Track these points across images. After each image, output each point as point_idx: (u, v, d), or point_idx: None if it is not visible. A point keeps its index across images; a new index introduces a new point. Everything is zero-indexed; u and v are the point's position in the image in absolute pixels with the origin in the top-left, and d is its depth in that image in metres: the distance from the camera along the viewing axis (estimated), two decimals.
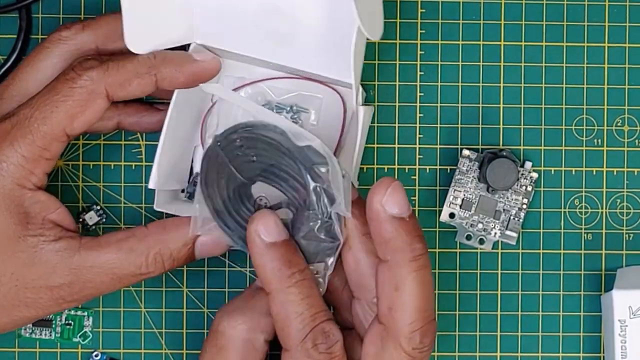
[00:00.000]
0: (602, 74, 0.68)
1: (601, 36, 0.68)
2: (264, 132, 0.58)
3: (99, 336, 0.68)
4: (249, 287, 0.61)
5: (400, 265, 0.56)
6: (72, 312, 0.67)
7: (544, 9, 0.68)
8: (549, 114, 0.68)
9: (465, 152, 0.67)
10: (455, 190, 0.67)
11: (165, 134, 0.62)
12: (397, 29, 0.68)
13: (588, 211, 0.68)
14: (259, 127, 0.58)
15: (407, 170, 0.68)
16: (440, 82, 0.68)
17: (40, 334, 0.67)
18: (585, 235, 0.68)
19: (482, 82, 0.68)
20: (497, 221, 0.67)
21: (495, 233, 0.67)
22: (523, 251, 0.68)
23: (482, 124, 0.68)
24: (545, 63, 0.68)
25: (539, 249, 0.67)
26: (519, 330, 0.68)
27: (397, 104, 0.68)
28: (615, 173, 0.68)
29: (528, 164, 0.67)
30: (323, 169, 0.57)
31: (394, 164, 0.68)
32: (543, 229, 0.68)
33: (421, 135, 0.68)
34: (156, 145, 0.62)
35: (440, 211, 0.67)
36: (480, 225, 0.67)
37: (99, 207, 0.68)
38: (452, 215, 0.67)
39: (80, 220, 0.68)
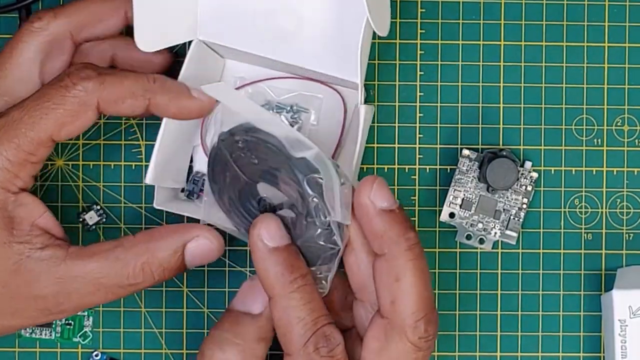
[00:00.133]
0: (602, 74, 0.68)
1: (601, 36, 0.68)
2: (263, 138, 0.58)
3: (99, 336, 0.68)
4: (229, 311, 0.60)
5: (397, 257, 0.56)
6: None
7: (544, 9, 0.68)
8: (549, 113, 0.68)
9: (465, 152, 0.67)
10: (455, 190, 0.67)
11: (164, 130, 0.62)
12: (397, 29, 0.68)
13: (588, 211, 0.68)
14: (258, 132, 0.58)
15: (407, 170, 0.68)
16: (440, 82, 0.68)
17: (41, 334, 0.67)
18: (585, 235, 0.68)
19: (482, 82, 0.68)
20: (497, 221, 0.67)
21: (495, 233, 0.67)
22: (523, 251, 0.68)
23: (482, 124, 0.68)
24: (545, 63, 0.68)
25: (539, 249, 0.68)
26: (519, 330, 0.68)
27: (397, 104, 0.68)
28: (615, 173, 0.68)
29: (528, 164, 0.67)
30: (320, 179, 0.57)
31: (394, 164, 0.68)
32: (543, 228, 0.68)
33: (421, 135, 0.68)
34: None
35: (440, 211, 0.67)
36: (480, 225, 0.67)
37: (99, 207, 0.68)
38: (452, 215, 0.67)
39: (81, 220, 0.68)
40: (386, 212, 0.57)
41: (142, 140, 0.68)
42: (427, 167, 0.68)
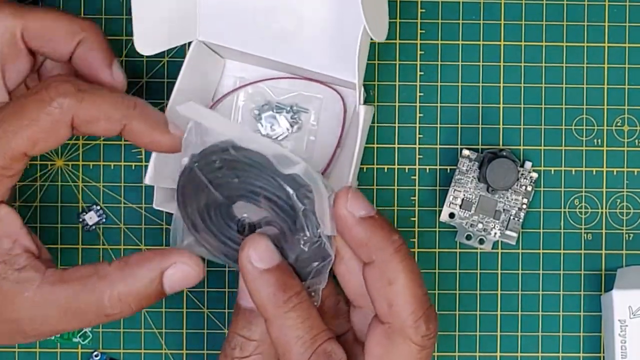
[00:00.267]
0: (602, 74, 0.68)
1: (601, 36, 0.68)
2: (246, 155, 0.57)
3: (99, 336, 0.68)
4: (238, 309, 0.59)
5: (386, 261, 0.56)
6: None
7: (544, 9, 0.68)
8: (549, 114, 0.68)
9: (465, 152, 0.67)
10: (455, 190, 0.67)
11: None
12: (397, 29, 0.68)
13: (588, 211, 0.68)
14: (240, 149, 0.57)
15: (407, 170, 0.68)
16: (440, 82, 0.68)
17: None
18: (585, 235, 0.68)
19: (482, 82, 0.68)
20: (497, 221, 0.67)
21: (495, 233, 0.67)
22: (523, 251, 0.68)
23: (482, 124, 0.68)
24: (545, 63, 0.68)
25: (539, 249, 0.68)
26: (519, 330, 0.68)
27: (397, 104, 0.68)
28: (615, 173, 0.68)
29: (528, 164, 0.67)
30: (310, 193, 0.56)
31: (394, 164, 0.68)
32: (543, 229, 0.68)
33: (421, 135, 0.68)
34: None
35: (440, 211, 0.67)
36: (480, 225, 0.67)
37: (99, 207, 0.68)
38: (452, 215, 0.67)
39: (80, 220, 0.68)
40: (366, 219, 0.56)
41: None
42: (427, 167, 0.68)
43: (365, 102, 0.66)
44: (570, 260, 0.68)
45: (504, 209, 0.67)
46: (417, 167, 0.68)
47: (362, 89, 0.62)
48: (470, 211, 0.67)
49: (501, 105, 0.68)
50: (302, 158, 0.57)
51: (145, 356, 0.68)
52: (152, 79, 0.68)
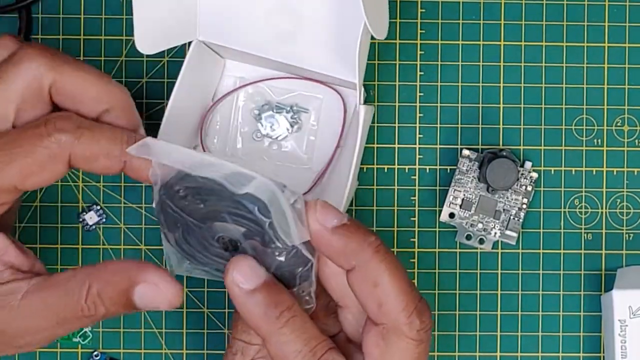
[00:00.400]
0: (602, 74, 0.68)
1: (601, 36, 0.68)
2: (202, 181, 0.56)
3: (99, 336, 0.68)
4: (237, 314, 0.58)
5: (367, 263, 0.56)
6: None
7: (544, 9, 0.68)
8: (549, 114, 0.68)
9: (465, 152, 0.67)
10: (455, 190, 0.67)
11: (163, 131, 0.62)
12: (397, 29, 0.68)
13: (588, 211, 0.68)
14: (196, 178, 0.56)
15: (407, 170, 0.68)
16: (440, 82, 0.68)
17: None
18: (585, 235, 0.68)
19: (482, 82, 0.68)
20: (497, 221, 0.67)
21: (495, 233, 0.67)
22: (523, 251, 0.68)
23: (482, 124, 0.68)
24: (545, 63, 0.68)
25: (539, 249, 0.68)
26: (519, 330, 0.68)
27: (397, 104, 0.68)
28: (615, 173, 0.68)
29: (528, 164, 0.67)
30: (270, 207, 0.55)
31: (394, 164, 0.68)
32: (543, 229, 0.68)
33: (421, 135, 0.68)
34: None
35: (440, 211, 0.67)
36: (480, 225, 0.67)
37: (99, 207, 0.68)
38: (452, 215, 0.67)
39: (80, 220, 0.68)
40: (339, 228, 0.56)
41: None
42: (427, 167, 0.68)
43: (365, 102, 0.66)
44: (570, 260, 0.68)
45: (504, 209, 0.67)
46: (417, 167, 0.68)
47: (362, 89, 0.62)
48: (470, 211, 0.67)
49: (501, 105, 0.68)
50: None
51: (145, 356, 0.68)
52: (152, 79, 0.68)
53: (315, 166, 0.66)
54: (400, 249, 0.68)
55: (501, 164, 0.65)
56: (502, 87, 0.68)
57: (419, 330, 0.56)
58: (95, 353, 0.67)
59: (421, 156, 0.68)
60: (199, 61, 0.64)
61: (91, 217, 0.68)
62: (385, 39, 0.62)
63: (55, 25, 0.68)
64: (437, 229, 0.68)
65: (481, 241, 0.67)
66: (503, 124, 0.68)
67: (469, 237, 0.67)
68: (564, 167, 0.68)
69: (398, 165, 0.68)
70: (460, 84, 0.68)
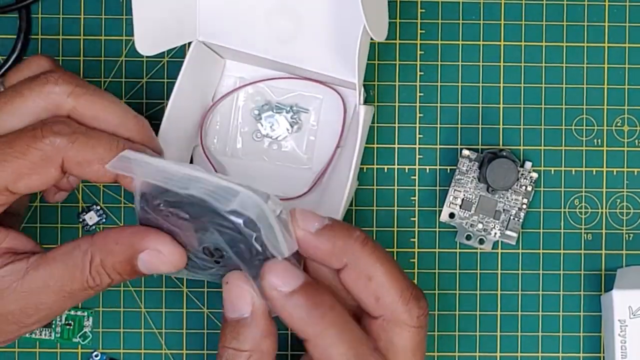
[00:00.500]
0: (602, 74, 0.68)
1: (601, 36, 0.68)
2: (185, 196, 0.55)
3: (99, 336, 0.68)
4: (225, 322, 0.57)
5: (357, 259, 0.56)
6: (72, 312, 0.67)
7: (544, 9, 0.68)
8: (549, 114, 0.68)
9: (465, 152, 0.67)
10: (455, 190, 0.67)
11: (163, 131, 0.62)
12: (397, 29, 0.68)
13: (588, 211, 0.68)
14: (177, 193, 0.55)
15: (407, 170, 0.68)
16: (440, 82, 0.68)
17: (40, 334, 0.67)
18: (585, 235, 0.68)
19: (482, 82, 0.68)
20: (497, 221, 0.67)
21: (495, 233, 0.67)
22: (523, 251, 0.68)
23: (482, 124, 0.68)
24: (545, 63, 0.68)
25: (539, 249, 0.68)
26: (519, 330, 0.68)
27: (397, 104, 0.68)
28: (615, 173, 0.68)
29: (528, 164, 0.67)
30: (258, 222, 0.54)
31: (394, 164, 0.68)
32: (543, 229, 0.68)
33: (421, 135, 0.68)
34: None
35: (440, 211, 0.67)
36: (480, 225, 0.67)
37: (99, 207, 0.68)
38: (452, 215, 0.67)
39: (80, 220, 0.68)
40: (322, 230, 0.56)
41: None
42: (427, 167, 0.68)
43: (365, 102, 0.66)
44: (570, 260, 0.68)
45: (504, 209, 0.67)
46: (417, 167, 0.68)
47: (362, 89, 0.62)
48: (470, 211, 0.67)
49: (501, 105, 0.68)
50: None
51: (145, 356, 0.68)
52: (152, 79, 0.68)
53: (315, 166, 0.66)
54: (400, 249, 0.68)
55: (501, 164, 0.65)
56: (502, 87, 0.68)
57: (418, 316, 0.56)
58: (95, 353, 0.67)
59: (421, 156, 0.68)
60: (199, 61, 0.64)
61: (91, 217, 0.68)
62: (385, 39, 0.62)
63: (55, 25, 0.68)
64: (437, 229, 0.68)
65: (481, 241, 0.67)
66: (503, 124, 0.68)
67: (469, 237, 0.67)
68: (564, 167, 0.68)
69: (398, 165, 0.68)
70: (460, 84, 0.68)
